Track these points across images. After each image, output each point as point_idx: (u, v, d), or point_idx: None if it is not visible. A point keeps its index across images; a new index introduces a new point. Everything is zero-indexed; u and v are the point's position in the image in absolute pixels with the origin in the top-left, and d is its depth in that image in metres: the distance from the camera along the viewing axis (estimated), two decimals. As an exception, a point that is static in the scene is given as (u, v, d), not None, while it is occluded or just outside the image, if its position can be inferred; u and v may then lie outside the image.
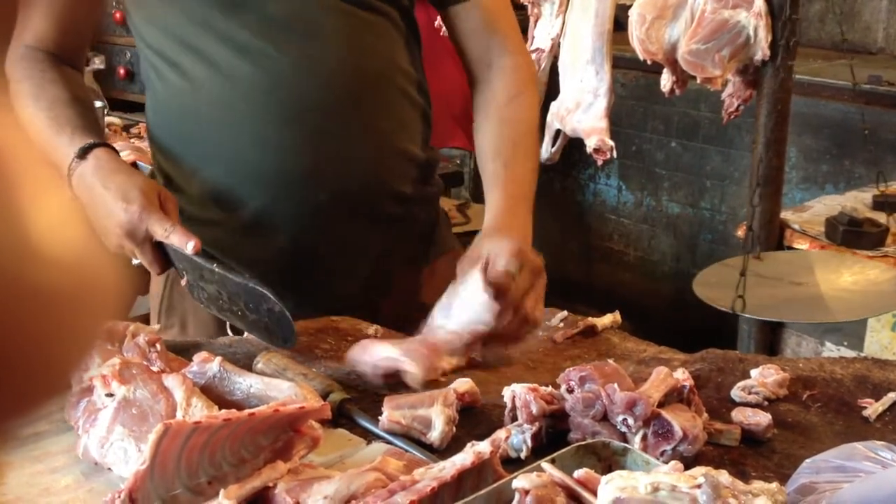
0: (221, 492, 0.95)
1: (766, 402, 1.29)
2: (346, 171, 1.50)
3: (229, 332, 1.52)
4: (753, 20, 2.69)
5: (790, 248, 2.87)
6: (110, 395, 1.13)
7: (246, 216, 1.52)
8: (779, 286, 2.56)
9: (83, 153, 1.40)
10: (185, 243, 1.33)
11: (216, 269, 1.34)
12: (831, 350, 2.85)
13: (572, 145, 3.40)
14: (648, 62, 2.92)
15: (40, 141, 1.45)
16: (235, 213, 1.52)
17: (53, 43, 1.52)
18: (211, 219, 1.52)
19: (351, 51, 1.48)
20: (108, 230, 1.36)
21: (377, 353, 1.29)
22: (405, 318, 1.47)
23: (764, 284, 2.54)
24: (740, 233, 2.95)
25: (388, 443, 1.16)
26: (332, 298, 1.55)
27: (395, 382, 1.30)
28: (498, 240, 1.36)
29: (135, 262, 1.41)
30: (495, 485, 0.94)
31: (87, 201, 1.38)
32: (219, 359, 1.21)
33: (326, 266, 1.56)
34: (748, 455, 1.17)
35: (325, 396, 1.21)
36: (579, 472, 0.94)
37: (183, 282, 1.41)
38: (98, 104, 2.77)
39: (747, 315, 2.44)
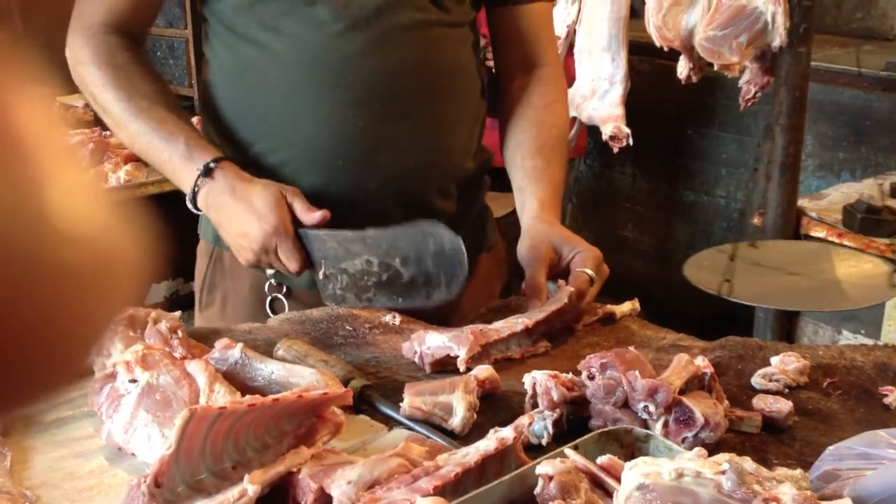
0: (246, 477, 0.95)
1: (786, 390, 1.29)
2: (400, 161, 1.52)
3: (269, 313, 1.55)
4: (771, 6, 2.67)
5: (807, 236, 2.86)
6: (133, 381, 1.14)
7: None
8: (771, 275, 2.57)
9: (208, 171, 1.43)
10: (318, 218, 1.40)
11: (369, 232, 1.39)
12: (848, 338, 2.84)
13: (587, 132, 3.40)
14: (665, 49, 2.91)
15: (141, 143, 1.48)
16: None
17: (128, 20, 1.51)
18: None
19: (421, 45, 1.51)
20: (242, 247, 1.42)
21: (427, 340, 1.33)
22: (446, 313, 1.51)
23: (756, 272, 2.55)
24: (756, 220, 2.94)
25: (410, 429, 1.16)
26: None
27: (441, 370, 1.31)
28: (576, 242, 1.46)
29: (269, 272, 1.46)
30: (519, 470, 0.94)
31: (219, 219, 1.44)
32: (240, 345, 1.22)
33: None
34: (769, 442, 1.17)
35: (346, 383, 1.21)
36: (602, 459, 0.94)
37: (319, 274, 1.44)
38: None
39: (733, 299, 2.44)
